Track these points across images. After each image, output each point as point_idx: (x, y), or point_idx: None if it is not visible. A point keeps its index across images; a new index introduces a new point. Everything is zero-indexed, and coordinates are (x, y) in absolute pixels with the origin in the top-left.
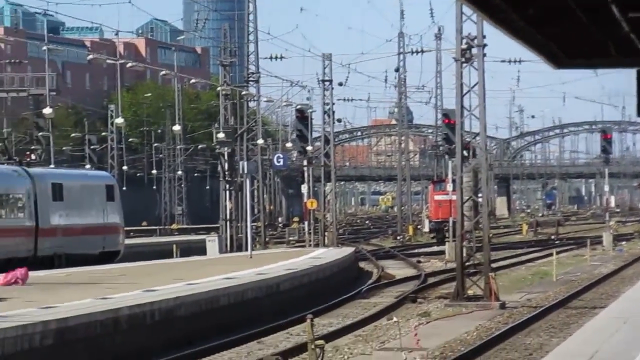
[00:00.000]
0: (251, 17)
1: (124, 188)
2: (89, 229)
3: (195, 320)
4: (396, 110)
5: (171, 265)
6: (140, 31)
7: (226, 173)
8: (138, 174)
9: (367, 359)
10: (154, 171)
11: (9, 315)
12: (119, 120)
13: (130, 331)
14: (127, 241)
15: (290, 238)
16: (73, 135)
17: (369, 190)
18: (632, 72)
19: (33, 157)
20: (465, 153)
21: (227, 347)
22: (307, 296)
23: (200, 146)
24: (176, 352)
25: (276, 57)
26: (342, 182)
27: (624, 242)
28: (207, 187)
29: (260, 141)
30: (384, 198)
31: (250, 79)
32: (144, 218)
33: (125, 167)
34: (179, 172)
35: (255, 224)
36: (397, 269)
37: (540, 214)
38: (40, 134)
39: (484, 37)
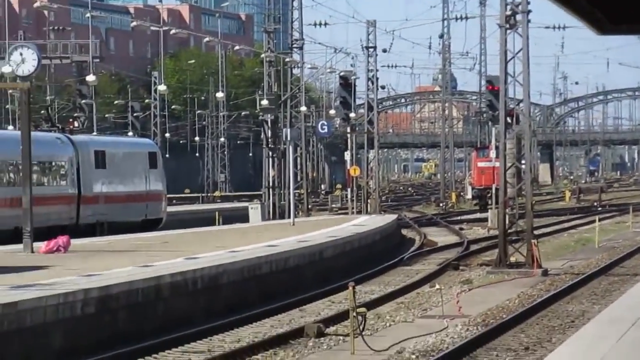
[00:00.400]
0: None
1: (167, 155)
2: (131, 197)
3: (238, 288)
4: (440, 76)
5: (213, 233)
6: None
7: (269, 140)
8: (181, 141)
9: (408, 326)
10: (197, 138)
11: (51, 283)
12: (162, 88)
13: (172, 299)
14: (170, 209)
15: (333, 205)
16: (116, 102)
17: (412, 157)
18: None
19: (76, 124)
20: (508, 120)
21: (269, 315)
22: (349, 263)
23: (243, 113)
24: (218, 319)
25: (320, 24)
26: (385, 149)
27: None
28: (250, 155)
29: (304, 108)
30: (426, 165)
31: (294, 45)
32: (186, 185)
33: (168, 135)
34: (222, 139)
35: (297, 191)
36: (439, 236)
37: (583, 181)
38: (83, 101)
39: (528, 3)
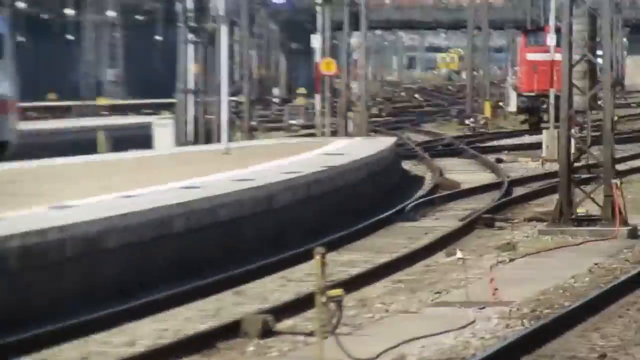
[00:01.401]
0: None
1: (21, 39)
2: None
3: (134, 256)
4: None
5: (96, 166)
6: None
7: (188, 15)
8: (43, 16)
9: (412, 319)
10: (69, 11)
11: None
12: None
13: (24, 276)
14: (24, 125)
15: (292, 122)
16: None
17: (422, 45)
18: None
19: None
20: None
21: (185, 301)
22: (316, 217)
23: None
24: (100, 308)
25: None
26: (379, 32)
27: None
28: (158, 38)
29: None
30: (445, 57)
31: None
32: (52, 88)
33: (22, 4)
34: (110, 14)
35: (235, 98)
36: (464, 172)
37: None
38: None
39: None
